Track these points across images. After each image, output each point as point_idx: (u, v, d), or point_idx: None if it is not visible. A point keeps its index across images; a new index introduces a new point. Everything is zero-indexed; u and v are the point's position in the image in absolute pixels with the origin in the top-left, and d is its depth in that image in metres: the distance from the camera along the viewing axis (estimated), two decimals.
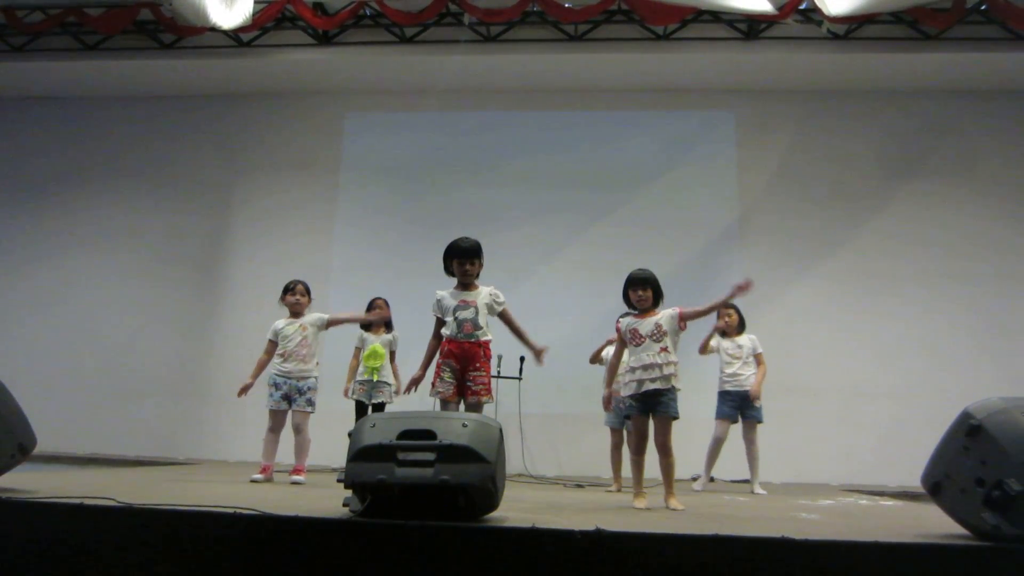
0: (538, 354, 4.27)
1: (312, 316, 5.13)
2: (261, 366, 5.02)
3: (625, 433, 5.51)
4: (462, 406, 4.12)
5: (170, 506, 2.58)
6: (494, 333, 4.26)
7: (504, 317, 4.26)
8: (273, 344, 5.05)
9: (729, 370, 5.50)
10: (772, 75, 8.19)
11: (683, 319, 3.87)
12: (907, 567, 2.24)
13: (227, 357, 8.11)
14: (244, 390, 4.91)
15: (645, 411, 3.82)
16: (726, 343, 5.58)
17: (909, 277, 7.81)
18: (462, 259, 4.20)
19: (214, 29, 7.43)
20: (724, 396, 5.54)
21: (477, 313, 4.12)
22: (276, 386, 4.94)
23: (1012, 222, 7.86)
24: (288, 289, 5.13)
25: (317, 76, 8.59)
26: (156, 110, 8.98)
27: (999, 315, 7.63)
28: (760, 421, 5.41)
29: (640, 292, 3.91)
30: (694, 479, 6.84)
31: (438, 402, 4.18)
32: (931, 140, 8.18)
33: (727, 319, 5.60)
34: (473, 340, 4.10)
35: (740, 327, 5.62)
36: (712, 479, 5.56)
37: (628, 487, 5.46)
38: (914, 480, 2.96)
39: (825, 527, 3.10)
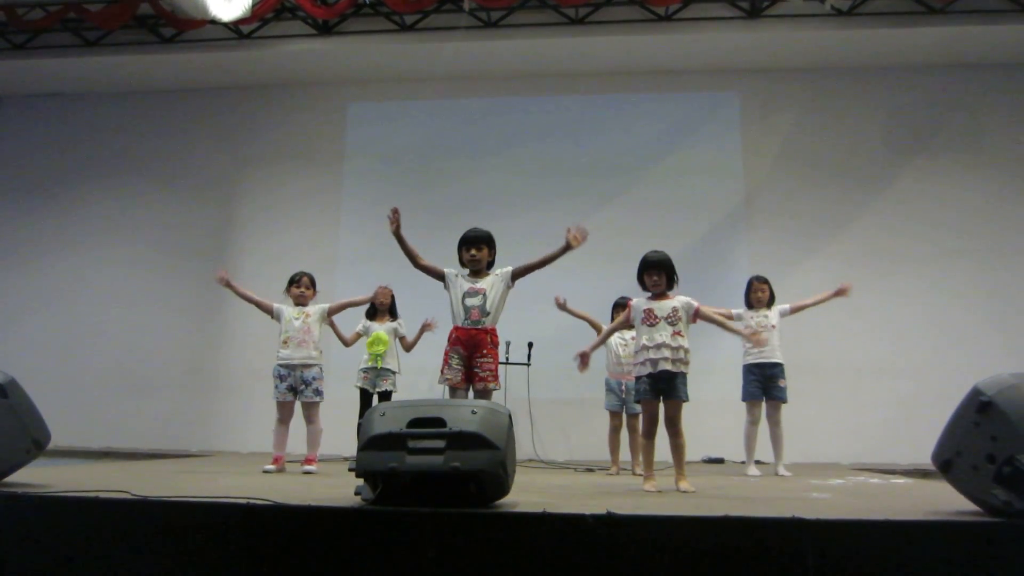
0: (573, 238, 4.09)
1: (316, 306, 5.14)
2: (251, 296, 5.08)
3: (625, 416, 5.55)
4: (471, 393, 4.14)
5: (184, 498, 2.60)
6: (502, 319, 4.28)
7: (520, 272, 4.27)
8: (270, 309, 5.06)
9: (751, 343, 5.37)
10: (776, 54, 8.12)
11: (698, 315, 3.88)
12: (919, 545, 2.24)
13: (236, 349, 8.16)
14: (223, 279, 5.08)
15: (656, 394, 3.82)
16: (751, 314, 5.45)
17: (917, 255, 7.76)
18: (468, 245, 4.27)
19: (214, 22, 7.41)
20: (749, 371, 5.39)
21: (485, 300, 4.16)
22: (280, 378, 4.93)
23: (1020, 197, 7.80)
24: (293, 281, 5.13)
25: (318, 66, 8.57)
26: (158, 104, 8.99)
27: (1008, 291, 7.58)
28: (784, 401, 5.33)
29: (655, 277, 3.92)
30: (705, 461, 6.88)
31: (447, 389, 4.21)
32: (938, 115, 8.10)
33: (760, 294, 5.49)
34: (480, 327, 4.14)
35: (770, 302, 5.50)
36: (758, 462, 5.49)
37: (626, 469, 5.50)
38: (925, 458, 2.95)
39: (836, 506, 3.10)
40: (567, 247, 4.12)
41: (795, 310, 5.51)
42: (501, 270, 4.29)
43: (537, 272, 7.96)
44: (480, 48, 8.17)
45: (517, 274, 4.29)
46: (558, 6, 7.83)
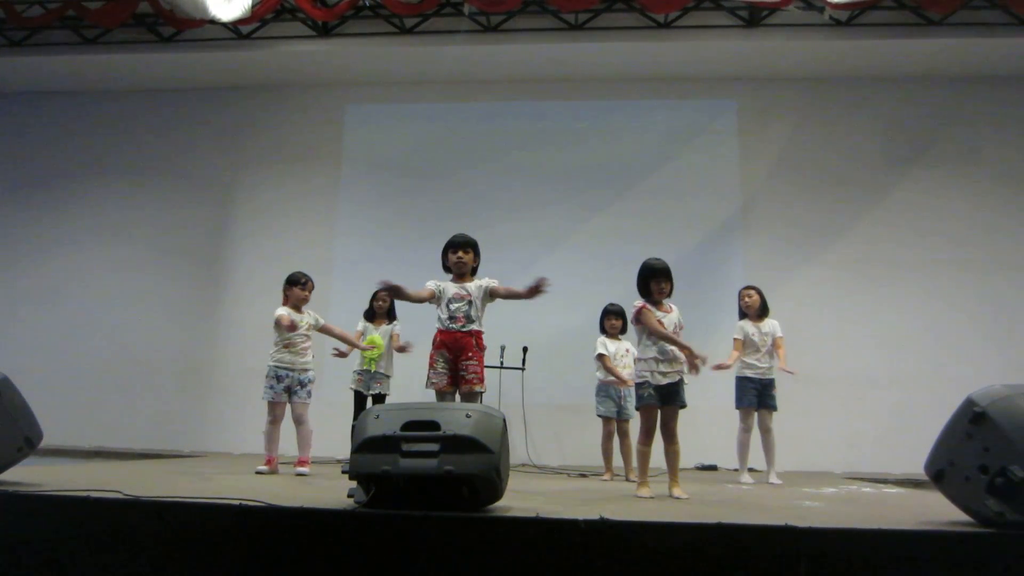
0: (537, 286, 4.06)
1: (312, 315, 5.13)
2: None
3: (617, 422, 5.56)
4: (458, 397, 4.14)
5: (176, 498, 2.59)
6: (491, 323, 4.30)
7: (496, 293, 4.26)
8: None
9: (751, 357, 5.36)
10: (774, 63, 8.14)
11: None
12: (910, 554, 2.24)
13: (230, 349, 8.13)
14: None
15: (661, 401, 3.86)
16: (750, 328, 5.41)
17: (912, 265, 7.78)
18: (456, 248, 4.28)
19: (213, 22, 7.40)
20: (744, 383, 5.36)
21: (471, 306, 4.18)
22: (278, 378, 4.94)
23: (1016, 209, 7.82)
24: (298, 283, 5.08)
25: (317, 68, 8.56)
26: (156, 103, 8.96)
27: (1003, 302, 7.60)
28: (775, 409, 5.34)
29: (663, 284, 3.98)
30: (698, 468, 6.88)
31: (435, 394, 4.20)
32: (935, 127, 8.13)
33: (748, 300, 5.49)
34: (466, 331, 4.15)
35: (763, 311, 5.47)
36: (751, 469, 5.48)
37: (619, 475, 5.51)
38: (918, 467, 2.96)
39: (828, 515, 3.11)
40: (531, 293, 4.09)
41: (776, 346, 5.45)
42: (485, 281, 4.28)
43: (532, 275, 7.97)
44: (479, 52, 8.17)
45: (495, 294, 4.26)
46: (558, 11, 7.84)
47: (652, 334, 3.91)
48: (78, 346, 8.37)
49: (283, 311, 5.01)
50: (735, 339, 5.43)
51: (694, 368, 3.85)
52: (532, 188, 8.28)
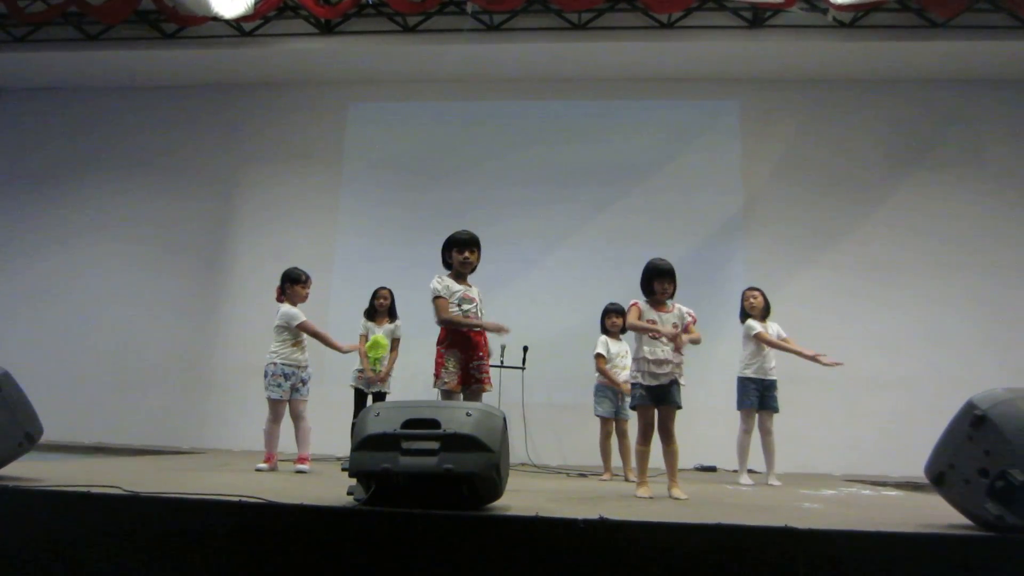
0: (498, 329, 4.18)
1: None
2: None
3: (615, 422, 5.56)
4: (460, 396, 4.12)
5: (175, 495, 2.59)
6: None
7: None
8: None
9: (756, 357, 5.35)
10: (777, 64, 8.14)
11: (686, 329, 3.94)
12: (910, 557, 2.24)
13: (230, 346, 8.14)
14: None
15: (653, 401, 3.85)
16: (759, 325, 5.39)
17: (914, 267, 7.78)
18: (462, 247, 4.18)
19: (216, 19, 7.40)
20: (747, 383, 5.34)
21: (478, 308, 4.16)
22: (285, 376, 4.95)
23: (1019, 212, 7.82)
24: (302, 281, 5.14)
25: (320, 66, 8.56)
26: (158, 100, 8.97)
27: (1004, 305, 7.60)
28: (777, 410, 5.33)
29: (667, 285, 3.97)
30: (697, 469, 6.88)
31: (440, 393, 4.17)
32: (937, 129, 8.13)
33: (752, 300, 5.47)
34: (477, 330, 4.13)
35: (765, 312, 5.46)
36: (751, 470, 5.47)
37: (618, 475, 5.51)
38: (917, 470, 2.96)
39: (828, 517, 3.11)
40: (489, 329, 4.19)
41: (782, 340, 5.45)
42: (480, 293, 4.26)
43: (534, 275, 8.07)
44: (481, 51, 8.16)
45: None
46: (561, 11, 7.84)
47: (627, 326, 4.00)
48: (79, 342, 8.38)
49: (299, 313, 5.04)
50: (759, 332, 5.35)
51: (675, 343, 3.85)
52: (534, 187, 8.28)
